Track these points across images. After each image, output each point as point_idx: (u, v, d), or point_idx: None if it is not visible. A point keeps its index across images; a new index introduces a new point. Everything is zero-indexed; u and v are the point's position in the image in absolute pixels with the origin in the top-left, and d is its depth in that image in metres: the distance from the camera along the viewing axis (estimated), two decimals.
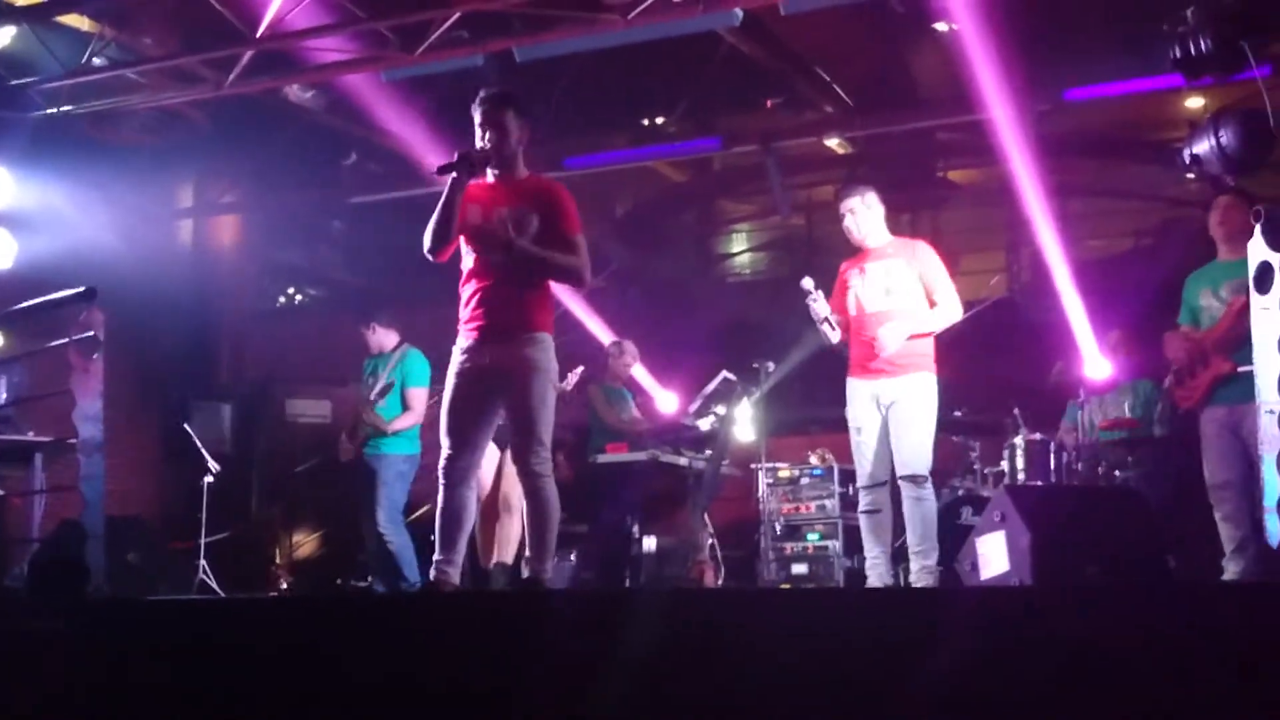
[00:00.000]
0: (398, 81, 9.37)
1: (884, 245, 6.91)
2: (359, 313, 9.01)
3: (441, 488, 5.64)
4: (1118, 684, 3.72)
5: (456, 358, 5.66)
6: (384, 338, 8.84)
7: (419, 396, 8.55)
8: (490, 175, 5.70)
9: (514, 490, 7.49)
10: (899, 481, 6.78)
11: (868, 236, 6.91)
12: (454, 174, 5.52)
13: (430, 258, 5.66)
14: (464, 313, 5.66)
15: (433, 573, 5.65)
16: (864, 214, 6.88)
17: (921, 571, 6.63)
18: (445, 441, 5.62)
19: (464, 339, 5.65)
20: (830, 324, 6.82)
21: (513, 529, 7.89)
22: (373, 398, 8.58)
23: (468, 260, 5.70)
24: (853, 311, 6.88)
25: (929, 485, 6.69)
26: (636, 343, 10.48)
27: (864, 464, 6.83)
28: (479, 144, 5.61)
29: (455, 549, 5.64)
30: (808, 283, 6.81)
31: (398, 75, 9.19)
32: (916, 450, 6.67)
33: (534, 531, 5.64)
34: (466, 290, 5.67)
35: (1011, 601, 4.47)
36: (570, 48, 9.00)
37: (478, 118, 5.62)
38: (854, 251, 7.02)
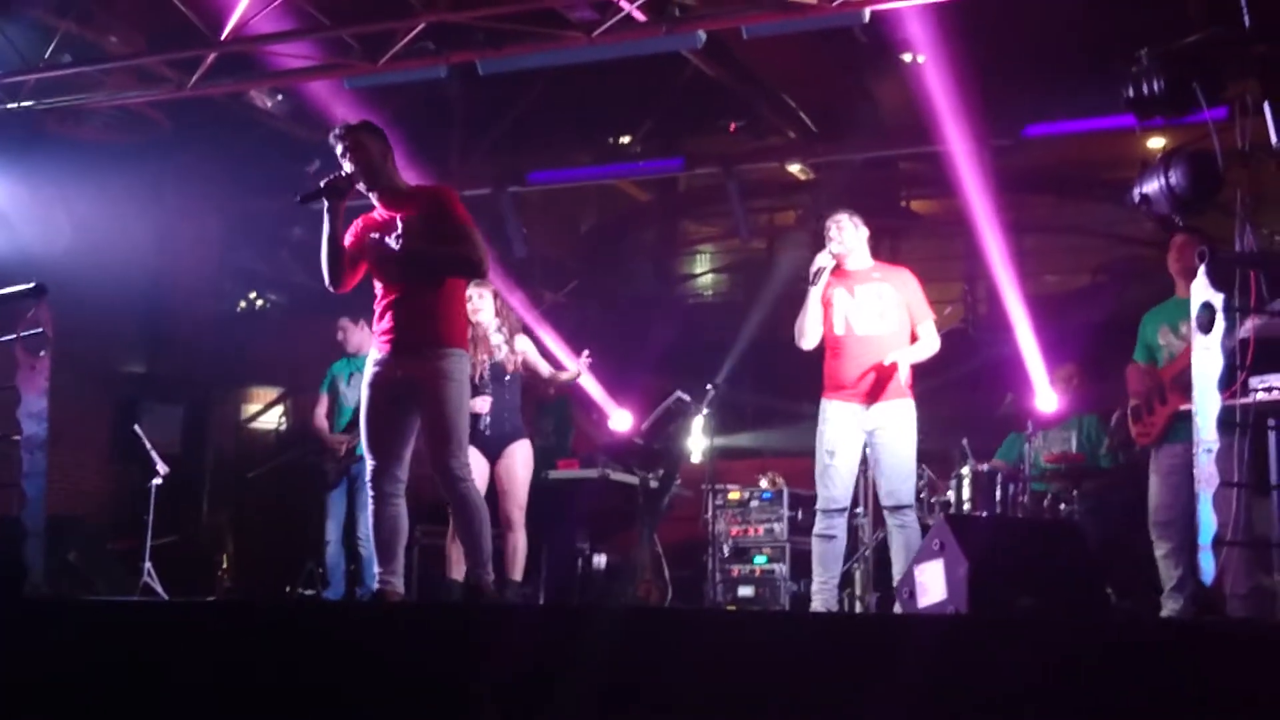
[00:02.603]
0: (360, 90, 9.35)
1: (869, 269, 6.91)
2: (345, 307, 8.95)
3: (371, 500, 5.65)
4: (1047, 714, 3.76)
5: (369, 369, 5.71)
6: (362, 338, 8.83)
7: None
8: (374, 198, 5.73)
9: (514, 507, 7.41)
10: (884, 511, 6.77)
11: (849, 254, 6.90)
12: (322, 200, 5.59)
13: (333, 290, 5.74)
14: (376, 326, 5.72)
15: (377, 584, 5.65)
16: (850, 232, 6.85)
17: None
18: (368, 455, 5.65)
19: (376, 351, 5.70)
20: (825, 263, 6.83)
21: (519, 544, 7.73)
22: None
23: (376, 284, 5.75)
24: (840, 331, 6.82)
25: (912, 513, 6.71)
26: (593, 359, 10.49)
27: (829, 488, 6.73)
28: (346, 170, 5.66)
29: (395, 559, 5.64)
30: (824, 258, 6.82)
31: (360, 84, 9.19)
32: (903, 480, 6.68)
33: (467, 537, 5.67)
34: (378, 308, 5.72)
35: (946, 629, 4.51)
36: (535, 63, 9.02)
37: (338, 149, 5.67)
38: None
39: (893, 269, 7.01)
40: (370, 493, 5.65)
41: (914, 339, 6.88)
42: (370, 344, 8.67)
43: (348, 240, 5.71)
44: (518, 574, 7.65)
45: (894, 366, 6.63)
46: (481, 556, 5.61)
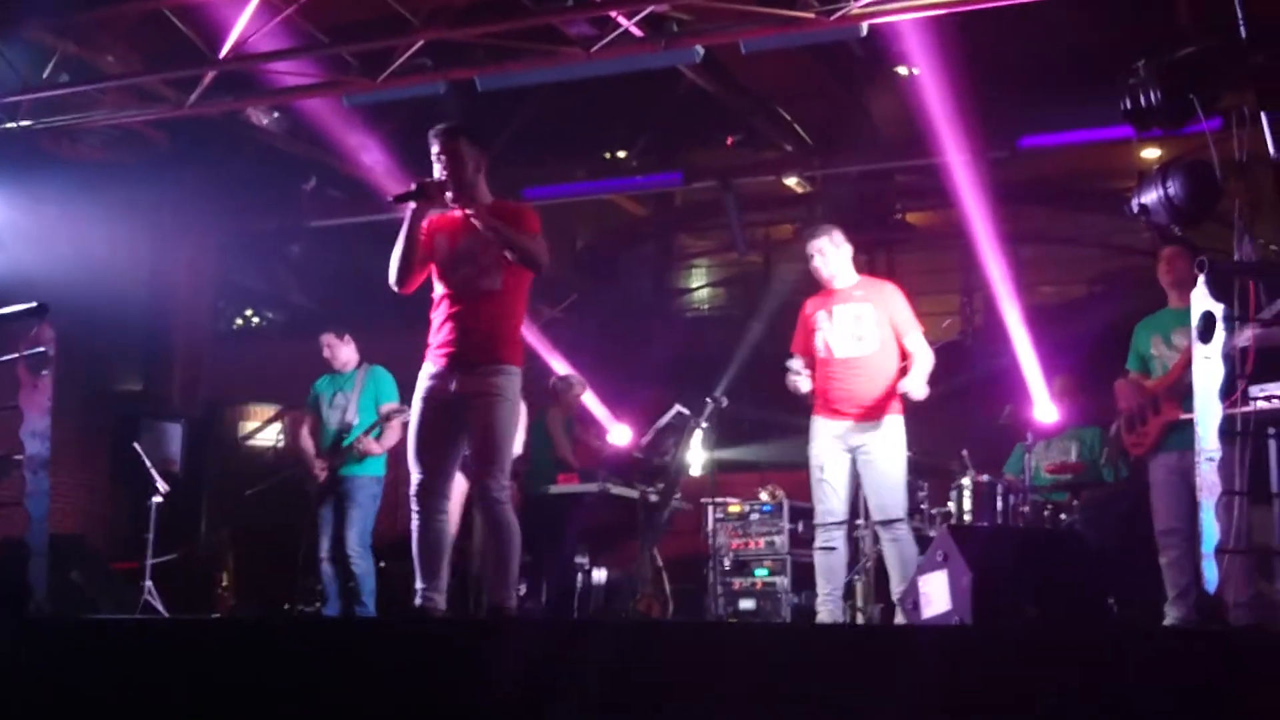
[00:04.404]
0: (359, 107, 9.38)
1: (851, 287, 6.95)
2: (332, 321, 8.94)
3: (415, 515, 5.59)
4: None
5: (423, 383, 5.65)
6: (350, 354, 8.80)
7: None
8: (455, 205, 5.71)
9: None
10: (875, 526, 6.82)
11: (835, 277, 6.96)
12: (410, 203, 5.57)
13: (396, 289, 5.69)
14: (433, 338, 5.67)
15: (418, 600, 5.61)
16: (832, 254, 6.93)
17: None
18: (415, 468, 5.59)
19: (431, 364, 5.64)
20: (805, 390, 6.92)
21: None
22: (358, 422, 8.52)
23: (439, 289, 5.72)
24: (822, 354, 6.92)
25: (905, 526, 6.76)
26: (591, 374, 10.52)
27: (824, 502, 6.87)
28: (436, 175, 5.65)
29: (438, 576, 5.60)
30: (796, 363, 6.91)
31: (359, 101, 9.21)
32: (892, 493, 6.75)
33: (497, 560, 5.59)
34: (437, 317, 5.68)
35: (951, 640, 4.52)
36: (533, 79, 9.04)
37: (434, 149, 5.66)
38: (815, 287, 7.08)
39: (876, 285, 7.05)
40: (414, 507, 5.58)
41: (902, 354, 6.92)
42: (354, 360, 8.75)
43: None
44: None
45: (918, 393, 6.70)
46: (508, 579, 5.55)
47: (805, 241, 7.05)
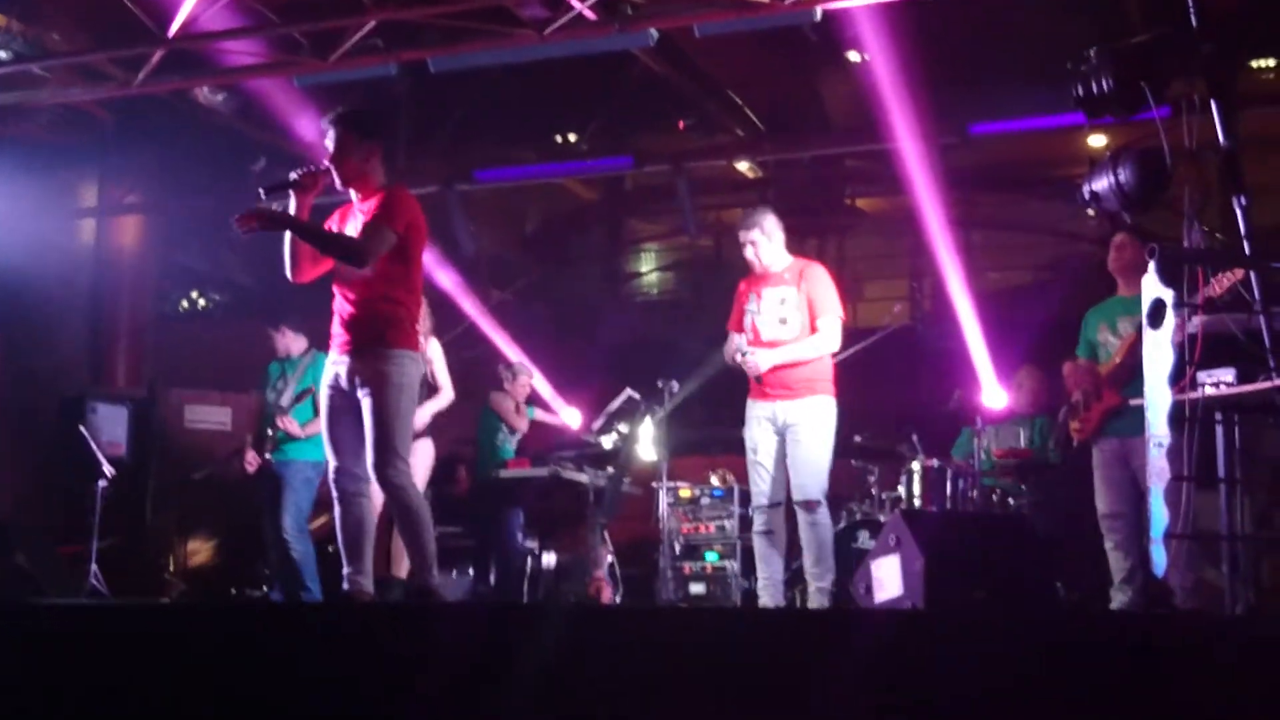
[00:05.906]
0: (310, 87, 9.29)
1: (782, 270, 6.96)
2: (269, 314, 8.88)
3: (336, 501, 5.66)
4: (1002, 707, 3.80)
5: (327, 371, 5.72)
6: (293, 341, 8.72)
7: None
8: (351, 193, 5.73)
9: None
10: (794, 506, 6.84)
11: (770, 265, 6.97)
12: (288, 193, 5.61)
13: (290, 279, 5.73)
14: (333, 328, 5.72)
15: (346, 585, 5.63)
16: (764, 245, 6.93)
17: (818, 593, 6.69)
18: (329, 454, 5.68)
19: (331, 353, 5.71)
20: (765, 368, 6.87)
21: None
22: (286, 404, 8.47)
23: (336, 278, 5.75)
24: (749, 337, 6.93)
25: (824, 509, 6.74)
26: (541, 358, 10.50)
27: (759, 484, 6.88)
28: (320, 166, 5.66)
29: (362, 559, 5.64)
30: (741, 340, 6.89)
31: (310, 81, 9.13)
32: (813, 475, 6.72)
33: (409, 543, 5.66)
34: (335, 308, 5.72)
35: (904, 624, 4.54)
36: (486, 60, 9.00)
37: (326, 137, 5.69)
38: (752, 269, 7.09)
39: (803, 267, 7.02)
40: (334, 494, 5.64)
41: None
42: (303, 345, 8.72)
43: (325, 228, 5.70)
44: (402, 571, 7.79)
45: (757, 363, 6.71)
46: (426, 560, 5.60)
47: (739, 230, 7.01)
